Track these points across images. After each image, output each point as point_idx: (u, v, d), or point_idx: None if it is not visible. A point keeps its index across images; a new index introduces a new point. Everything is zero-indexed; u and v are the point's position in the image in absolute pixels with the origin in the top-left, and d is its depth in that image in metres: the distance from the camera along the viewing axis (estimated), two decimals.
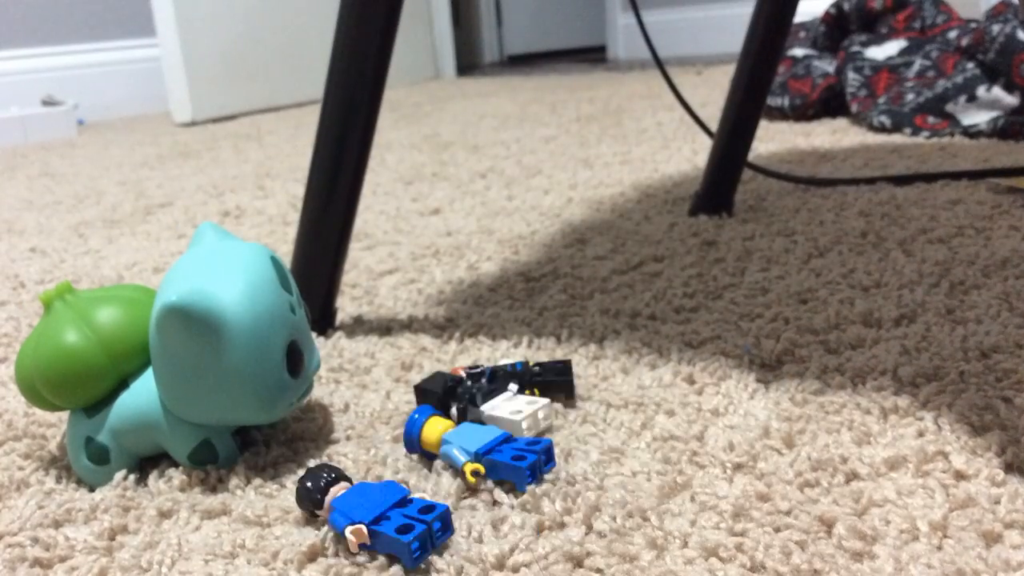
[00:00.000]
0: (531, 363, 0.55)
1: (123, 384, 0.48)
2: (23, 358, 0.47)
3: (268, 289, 0.46)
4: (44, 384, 0.46)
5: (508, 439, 0.47)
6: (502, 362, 0.57)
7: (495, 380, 0.53)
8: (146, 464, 0.50)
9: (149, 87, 2.85)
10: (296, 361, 0.48)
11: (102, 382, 0.47)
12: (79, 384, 0.46)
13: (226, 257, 0.47)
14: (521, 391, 0.53)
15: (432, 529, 0.39)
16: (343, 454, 0.49)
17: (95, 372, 0.46)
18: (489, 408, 0.51)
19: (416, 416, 0.48)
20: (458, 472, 0.46)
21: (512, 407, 0.50)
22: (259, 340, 0.45)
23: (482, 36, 4.30)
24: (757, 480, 0.44)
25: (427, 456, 0.48)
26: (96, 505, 0.46)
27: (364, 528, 0.40)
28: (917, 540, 0.38)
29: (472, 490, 0.45)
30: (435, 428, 0.47)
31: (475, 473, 0.44)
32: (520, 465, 0.44)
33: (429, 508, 0.40)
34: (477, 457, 0.45)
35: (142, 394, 0.47)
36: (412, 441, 0.48)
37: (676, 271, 0.76)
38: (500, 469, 0.45)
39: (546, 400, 0.51)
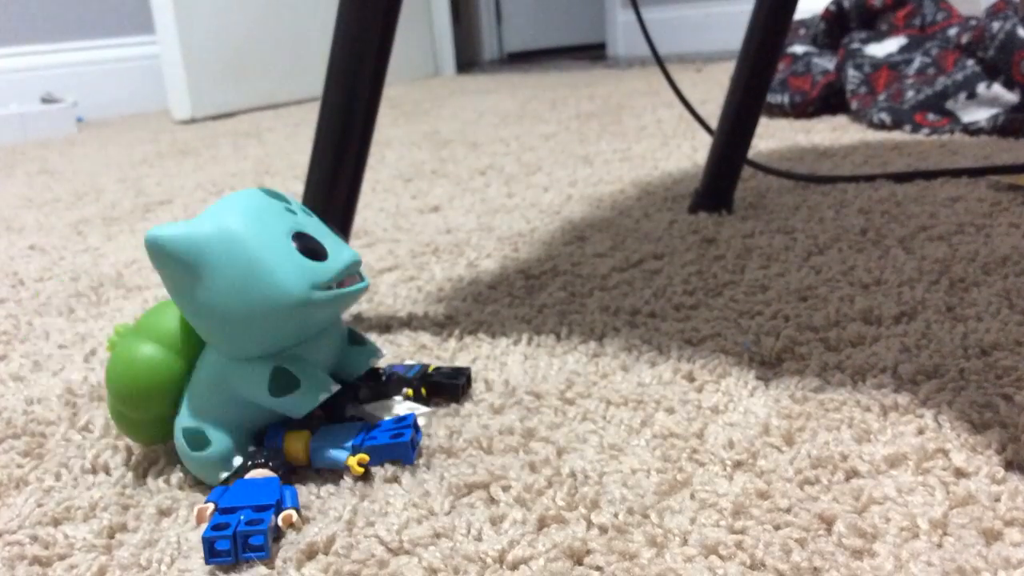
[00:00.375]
0: (432, 368, 0.56)
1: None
2: (110, 401, 0.48)
3: (250, 202, 0.46)
4: (126, 402, 0.47)
5: (371, 427, 0.49)
6: (408, 361, 0.59)
7: (390, 383, 0.54)
8: (145, 463, 0.50)
9: (148, 85, 2.85)
10: (310, 246, 0.46)
11: (179, 383, 0.48)
12: (160, 393, 0.47)
13: (224, 202, 0.47)
14: (417, 392, 0.54)
15: (237, 538, 0.40)
16: None
17: (175, 377, 0.47)
18: (371, 408, 0.52)
19: (272, 434, 0.48)
20: (343, 470, 0.47)
21: (393, 411, 0.52)
22: (257, 237, 0.45)
23: (482, 33, 4.30)
24: (757, 478, 0.44)
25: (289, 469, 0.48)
26: (95, 503, 0.46)
27: (208, 510, 0.42)
28: (917, 538, 0.38)
29: (361, 479, 0.46)
30: (297, 440, 0.48)
31: (361, 463, 0.46)
32: (402, 441, 0.47)
33: (258, 521, 0.41)
34: (356, 449, 0.46)
35: (205, 363, 0.47)
36: None
37: (676, 268, 0.76)
38: (383, 451, 0.47)
39: (428, 409, 0.53)
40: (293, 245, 0.46)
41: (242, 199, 0.46)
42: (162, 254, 0.44)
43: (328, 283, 0.46)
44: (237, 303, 0.44)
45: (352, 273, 0.48)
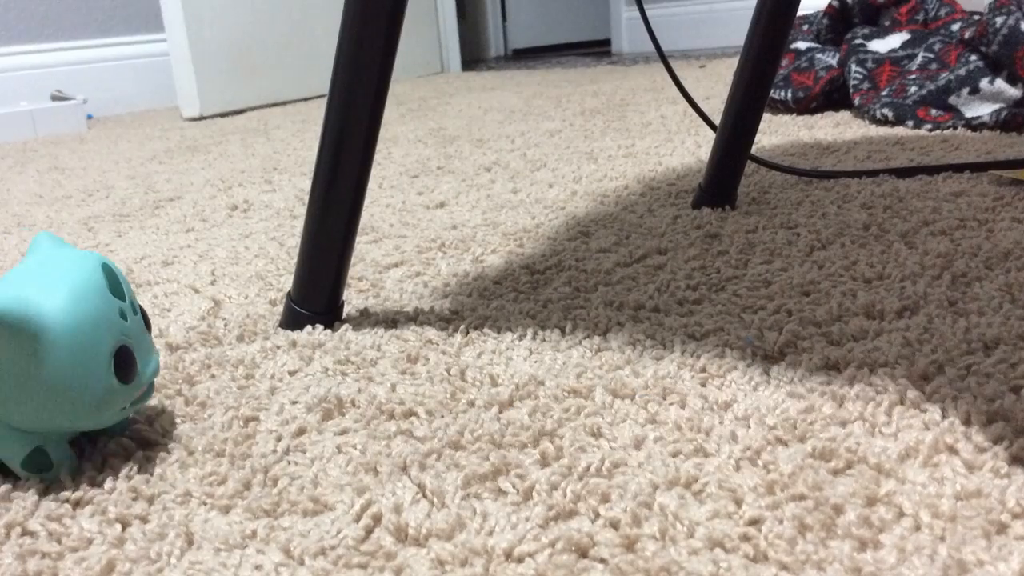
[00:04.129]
0: None
1: None
2: None
3: (93, 294, 0.46)
4: None
5: None
6: None
7: None
8: (153, 457, 0.51)
9: (157, 82, 2.85)
10: (127, 366, 0.47)
11: None
12: None
13: (53, 265, 0.47)
14: None
15: None
16: (352, 445, 0.50)
17: None
18: None
19: None
20: None
21: None
22: (81, 345, 0.45)
23: (487, 30, 4.30)
24: (762, 471, 0.44)
25: None
26: (105, 496, 0.46)
27: None
28: (921, 531, 0.39)
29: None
30: None
31: None
32: None
33: None
34: None
35: None
36: None
37: (679, 264, 0.77)
38: None
39: None
40: (111, 362, 0.46)
41: (89, 289, 0.46)
42: (5, 326, 0.44)
43: (130, 405, 0.48)
44: (38, 392, 0.45)
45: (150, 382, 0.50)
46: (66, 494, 0.47)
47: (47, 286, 0.45)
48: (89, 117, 2.59)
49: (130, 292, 0.51)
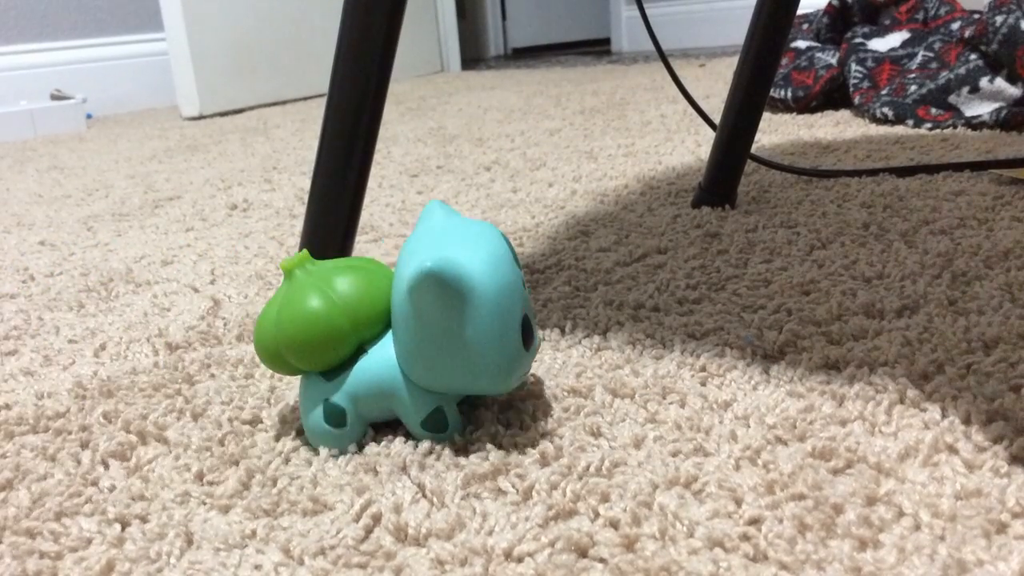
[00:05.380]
0: None
1: (360, 350, 0.49)
2: (265, 323, 0.49)
3: (506, 261, 0.48)
4: (289, 347, 0.48)
5: None
6: None
7: None
8: (153, 456, 0.51)
9: (157, 81, 2.85)
10: (529, 335, 0.49)
11: (344, 346, 0.48)
12: (323, 347, 0.48)
13: (464, 232, 0.48)
14: None
15: None
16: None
17: (338, 336, 0.48)
18: None
19: None
20: None
21: None
22: (502, 310, 0.46)
23: (487, 30, 4.30)
24: (762, 470, 0.44)
25: None
26: (104, 496, 0.46)
27: None
28: (921, 530, 0.39)
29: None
30: None
31: None
32: None
33: None
34: None
35: (381, 361, 0.49)
36: None
37: (679, 263, 0.77)
38: None
39: None
40: (520, 329, 0.47)
41: (503, 255, 0.48)
42: (443, 286, 0.45)
43: (525, 372, 0.49)
44: (458, 353, 0.46)
45: None
46: (66, 494, 0.47)
47: (468, 250, 0.46)
48: (88, 116, 2.59)
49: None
